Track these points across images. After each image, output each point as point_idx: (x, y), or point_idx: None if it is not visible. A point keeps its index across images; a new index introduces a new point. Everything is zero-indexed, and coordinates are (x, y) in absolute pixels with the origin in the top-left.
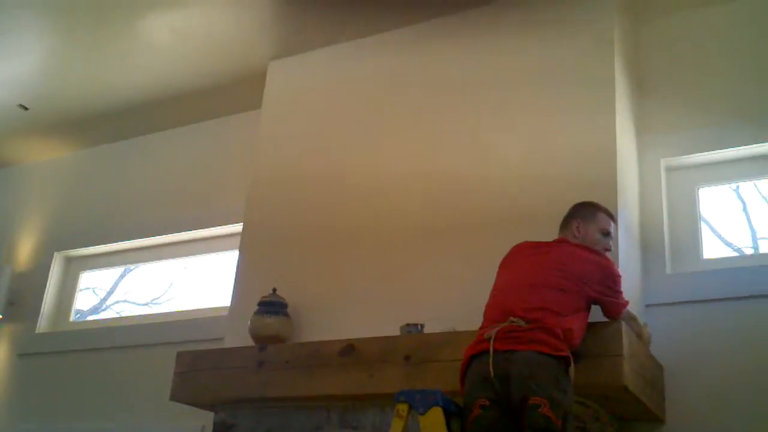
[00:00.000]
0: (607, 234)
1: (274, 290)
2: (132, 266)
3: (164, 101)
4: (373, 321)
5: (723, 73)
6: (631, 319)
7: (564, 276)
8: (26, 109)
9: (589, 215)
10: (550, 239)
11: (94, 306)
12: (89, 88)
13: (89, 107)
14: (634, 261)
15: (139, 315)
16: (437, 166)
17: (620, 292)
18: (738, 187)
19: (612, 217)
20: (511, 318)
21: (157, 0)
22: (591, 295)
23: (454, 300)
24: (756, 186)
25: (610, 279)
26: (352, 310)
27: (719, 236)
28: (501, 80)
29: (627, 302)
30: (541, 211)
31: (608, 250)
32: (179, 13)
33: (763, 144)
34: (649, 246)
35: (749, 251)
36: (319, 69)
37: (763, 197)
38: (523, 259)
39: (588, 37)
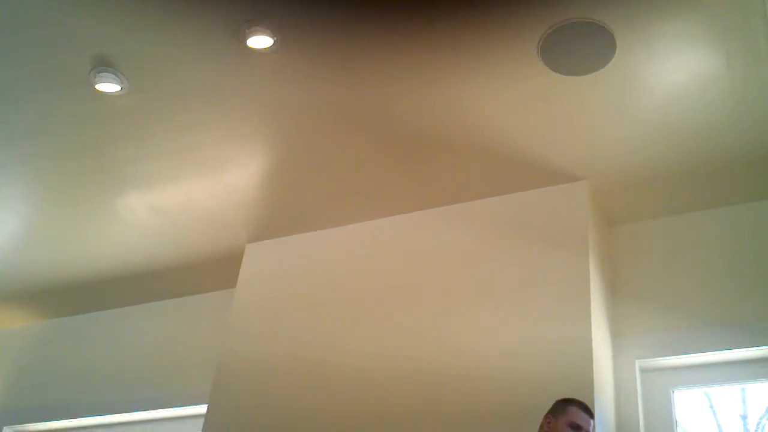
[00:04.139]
0: (577, 427)
1: None
2: None
3: (136, 277)
4: None
5: (696, 278)
6: None
7: None
8: None
9: (560, 409)
10: None
11: None
12: (60, 259)
13: (59, 278)
14: None
15: None
16: (409, 358)
17: None
18: (709, 391)
19: (588, 411)
20: None
21: (138, 179)
22: None
23: None
24: (726, 391)
25: None
26: None
27: None
28: (475, 276)
29: None
30: (516, 410)
31: None
32: (159, 193)
33: (735, 350)
34: None
35: None
36: (295, 254)
37: (742, 403)
38: None
39: (563, 240)
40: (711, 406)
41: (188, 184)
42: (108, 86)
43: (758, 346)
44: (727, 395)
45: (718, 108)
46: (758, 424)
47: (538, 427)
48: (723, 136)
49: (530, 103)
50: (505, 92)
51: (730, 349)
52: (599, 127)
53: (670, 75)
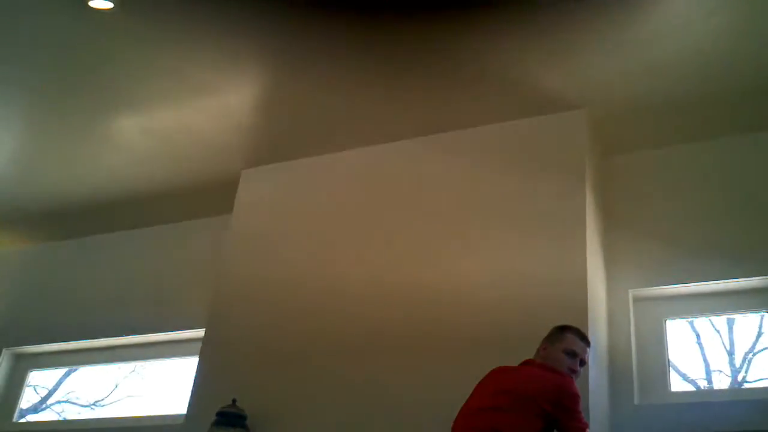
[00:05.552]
0: (572, 354)
1: (234, 401)
2: (85, 366)
3: (131, 201)
4: None
5: (689, 209)
6: None
7: (512, 397)
8: None
9: (557, 335)
10: (519, 361)
11: (34, 405)
12: (54, 183)
13: (53, 202)
14: (603, 390)
15: (88, 419)
16: (407, 283)
17: (578, 412)
18: (698, 325)
19: (584, 339)
20: None
21: (132, 101)
22: (543, 413)
23: (417, 417)
24: (715, 325)
25: (566, 397)
26: (314, 425)
27: (677, 370)
28: (473, 203)
29: (587, 424)
30: (512, 335)
31: (574, 371)
32: (152, 116)
33: (727, 281)
34: (617, 375)
35: (703, 385)
36: (292, 180)
37: (729, 337)
38: (488, 381)
39: (561, 168)
40: (699, 342)
41: (182, 105)
42: (100, 3)
43: (749, 276)
44: (715, 330)
45: (718, 36)
46: (744, 360)
47: (534, 351)
48: (723, 65)
49: (531, 30)
50: (505, 18)
51: (723, 279)
52: (599, 55)
53: (672, 1)
